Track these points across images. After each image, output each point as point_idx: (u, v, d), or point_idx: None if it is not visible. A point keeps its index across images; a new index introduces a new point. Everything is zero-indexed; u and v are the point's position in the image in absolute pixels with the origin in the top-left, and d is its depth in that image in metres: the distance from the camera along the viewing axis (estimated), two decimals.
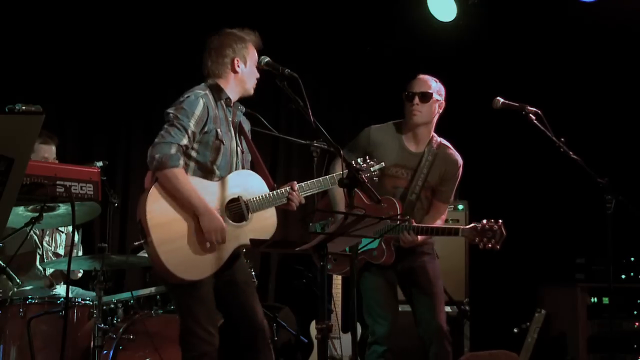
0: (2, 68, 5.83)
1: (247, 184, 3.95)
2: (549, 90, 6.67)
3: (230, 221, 3.85)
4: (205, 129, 3.85)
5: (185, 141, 3.78)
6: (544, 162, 6.32)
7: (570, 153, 4.44)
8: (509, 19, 6.71)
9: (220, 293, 3.91)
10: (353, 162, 4.13)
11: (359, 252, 4.33)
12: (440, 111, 4.59)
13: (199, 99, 3.85)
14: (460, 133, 4.68)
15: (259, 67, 3.94)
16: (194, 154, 3.86)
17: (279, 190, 3.96)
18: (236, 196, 3.89)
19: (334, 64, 6.92)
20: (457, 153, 4.62)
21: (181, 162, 3.77)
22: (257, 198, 3.91)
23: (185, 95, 3.88)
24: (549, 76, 6.86)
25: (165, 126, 3.81)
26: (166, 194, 3.76)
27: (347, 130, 6.89)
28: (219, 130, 3.89)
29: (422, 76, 4.60)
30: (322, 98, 6.71)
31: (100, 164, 4.49)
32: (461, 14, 6.57)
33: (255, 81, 4.04)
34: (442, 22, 6.62)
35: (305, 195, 4.01)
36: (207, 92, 3.93)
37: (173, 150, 3.74)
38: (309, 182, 4.03)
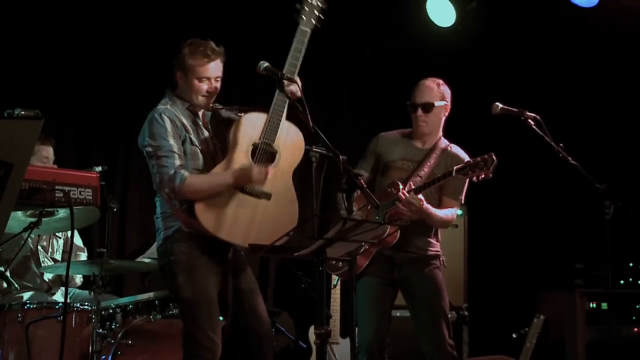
0: (1, 73, 5.83)
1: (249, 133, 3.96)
2: (548, 95, 6.67)
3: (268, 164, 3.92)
4: (182, 139, 3.89)
5: (178, 162, 3.81)
6: (543, 167, 6.31)
7: (569, 158, 4.44)
8: (508, 24, 6.71)
9: (227, 302, 3.94)
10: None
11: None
12: (447, 114, 4.57)
13: (162, 116, 3.88)
14: (459, 138, 4.66)
15: (258, 72, 3.93)
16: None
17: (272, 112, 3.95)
18: (251, 146, 3.91)
19: (333, 69, 6.92)
20: (464, 152, 4.58)
21: (184, 172, 3.79)
22: (265, 130, 3.91)
23: (149, 120, 3.91)
24: (548, 81, 6.87)
25: (152, 162, 3.84)
26: (204, 198, 3.80)
27: (346, 135, 6.90)
28: (191, 136, 3.92)
29: (424, 83, 4.55)
30: (321, 103, 6.70)
31: (99, 169, 4.49)
32: (460, 19, 6.57)
33: (203, 97, 3.98)
34: (441, 27, 6.62)
35: None
36: (168, 105, 3.96)
37: (171, 172, 3.77)
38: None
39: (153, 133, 3.86)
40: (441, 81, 4.58)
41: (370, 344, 4.42)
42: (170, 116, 3.89)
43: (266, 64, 3.86)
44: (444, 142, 4.58)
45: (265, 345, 4.00)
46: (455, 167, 4.26)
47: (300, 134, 3.95)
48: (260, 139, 3.91)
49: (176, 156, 3.81)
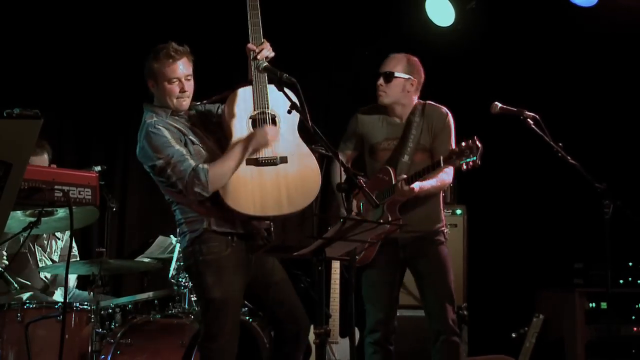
0: (1, 73, 5.82)
1: (242, 107, 3.97)
2: (547, 95, 6.67)
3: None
4: (183, 142, 3.88)
5: (193, 161, 3.79)
6: (542, 167, 6.31)
7: (568, 158, 4.44)
8: (507, 24, 6.71)
9: (260, 297, 4.01)
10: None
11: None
12: (415, 87, 4.55)
13: (157, 127, 3.86)
14: (458, 137, 4.66)
15: (258, 71, 3.93)
16: None
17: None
18: (250, 118, 3.93)
19: (331, 68, 6.92)
20: (442, 106, 4.58)
21: (202, 165, 3.78)
22: (256, 100, 3.92)
23: (145, 136, 3.87)
24: (547, 81, 6.86)
25: (168, 173, 3.80)
26: (227, 182, 3.81)
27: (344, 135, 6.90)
28: (190, 137, 3.92)
29: (393, 54, 4.61)
30: (320, 103, 6.70)
31: (98, 168, 4.48)
32: (459, 19, 6.57)
33: (178, 100, 3.97)
34: (440, 26, 6.62)
35: None
36: (154, 116, 3.93)
37: (192, 172, 3.75)
38: None
39: (156, 146, 3.82)
40: (415, 58, 4.58)
41: (377, 329, 4.49)
42: (164, 125, 3.88)
43: (265, 63, 3.87)
44: (420, 105, 4.58)
45: (303, 333, 4.04)
46: (442, 157, 4.23)
47: (288, 90, 3.85)
48: (254, 110, 3.93)
49: (188, 158, 3.80)
